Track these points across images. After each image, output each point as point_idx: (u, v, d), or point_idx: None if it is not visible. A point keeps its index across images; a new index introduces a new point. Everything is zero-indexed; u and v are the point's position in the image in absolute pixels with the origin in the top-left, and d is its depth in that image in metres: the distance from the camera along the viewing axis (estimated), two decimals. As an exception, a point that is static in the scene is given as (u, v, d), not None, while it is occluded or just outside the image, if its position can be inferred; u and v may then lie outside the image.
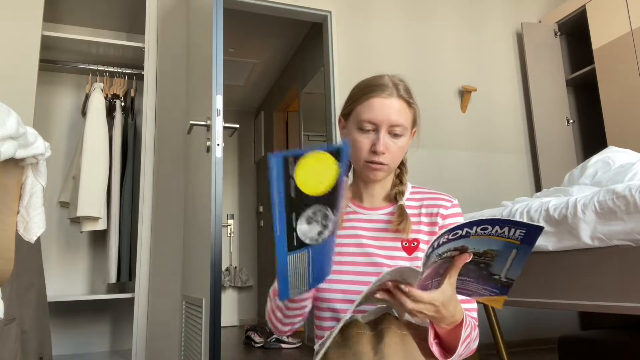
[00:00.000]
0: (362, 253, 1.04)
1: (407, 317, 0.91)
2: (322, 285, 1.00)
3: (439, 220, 1.06)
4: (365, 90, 1.05)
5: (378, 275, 0.85)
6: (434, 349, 0.90)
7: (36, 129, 1.22)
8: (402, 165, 1.13)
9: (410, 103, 1.05)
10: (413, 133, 1.11)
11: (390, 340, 0.83)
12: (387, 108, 1.02)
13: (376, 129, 1.02)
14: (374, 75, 1.09)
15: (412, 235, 1.05)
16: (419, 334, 0.90)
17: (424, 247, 1.04)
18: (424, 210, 1.08)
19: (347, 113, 1.09)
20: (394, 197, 1.10)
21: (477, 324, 0.99)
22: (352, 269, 1.02)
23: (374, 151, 1.02)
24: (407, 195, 1.11)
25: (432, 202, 1.09)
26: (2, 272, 1.11)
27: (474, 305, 1.04)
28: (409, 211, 1.08)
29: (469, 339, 0.93)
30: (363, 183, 1.12)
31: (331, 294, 1.01)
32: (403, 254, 1.02)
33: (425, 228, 1.06)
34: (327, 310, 1.03)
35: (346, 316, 0.87)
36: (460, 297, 0.94)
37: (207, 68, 1.95)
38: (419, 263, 0.99)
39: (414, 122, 1.09)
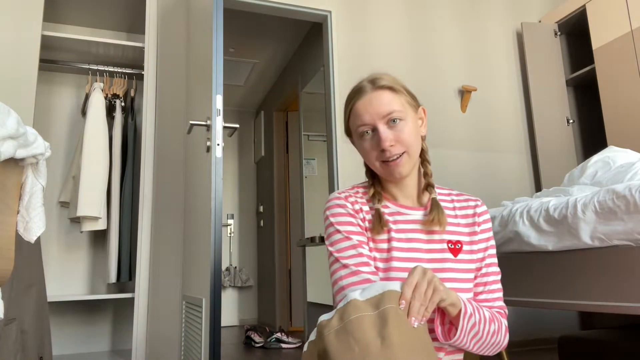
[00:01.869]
0: (415, 258, 1.01)
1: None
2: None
3: (477, 219, 1.06)
4: (348, 102, 1.07)
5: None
6: (438, 330, 0.90)
7: (36, 129, 1.22)
8: (422, 153, 1.10)
9: (393, 88, 1.03)
10: (421, 118, 1.09)
11: (397, 324, 0.76)
12: (369, 105, 1.01)
13: (374, 129, 1.01)
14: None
15: (454, 237, 1.04)
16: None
17: (467, 248, 1.04)
18: (458, 212, 1.08)
19: (348, 131, 1.10)
20: (425, 188, 1.09)
21: (497, 317, 0.99)
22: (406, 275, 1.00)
23: (382, 150, 1.00)
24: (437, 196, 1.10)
25: (464, 204, 1.09)
26: (2, 272, 1.11)
27: (500, 294, 1.05)
28: (445, 212, 1.07)
29: (481, 331, 0.92)
30: (394, 185, 1.08)
31: None
32: (450, 255, 1.02)
33: (464, 229, 1.06)
34: None
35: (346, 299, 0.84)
36: (490, 285, 1.02)
37: (207, 68, 1.95)
38: (464, 266, 1.01)
39: (413, 104, 1.06)
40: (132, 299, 2.48)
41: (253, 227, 5.45)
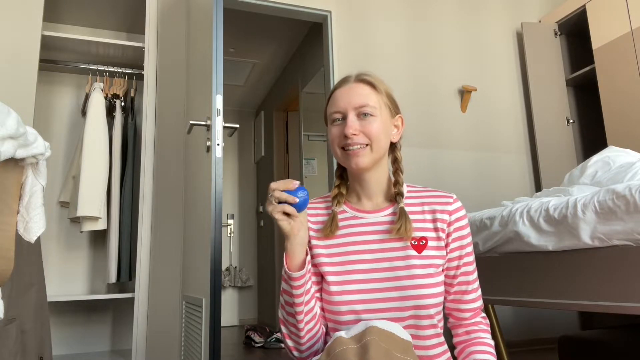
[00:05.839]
0: (374, 259, 1.02)
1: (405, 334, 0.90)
2: (342, 297, 1.00)
3: (447, 217, 1.05)
4: (331, 90, 1.10)
5: (394, 277, 0.97)
6: None
7: (36, 129, 1.22)
8: (396, 162, 1.11)
9: (374, 85, 1.06)
10: (396, 126, 1.11)
11: (378, 351, 0.80)
12: (347, 93, 1.05)
13: (345, 117, 1.04)
14: None
15: (419, 234, 1.04)
16: (403, 345, 0.88)
17: (433, 244, 1.03)
18: (426, 208, 1.07)
19: (325, 120, 1.12)
20: (394, 197, 1.09)
21: (489, 347, 1.05)
22: (365, 276, 1.01)
23: (345, 136, 1.03)
24: (404, 194, 1.10)
25: (434, 200, 1.08)
26: (2, 272, 1.12)
27: (480, 290, 1.08)
28: (411, 209, 1.07)
29: None
30: (358, 184, 1.10)
31: (351, 306, 0.99)
32: (413, 252, 1.02)
33: (430, 225, 1.05)
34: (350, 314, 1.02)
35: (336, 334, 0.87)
36: (472, 284, 1.06)
37: (207, 68, 1.95)
38: (430, 262, 1.01)
39: (390, 108, 1.08)
40: (132, 299, 2.48)
41: (253, 227, 5.45)
